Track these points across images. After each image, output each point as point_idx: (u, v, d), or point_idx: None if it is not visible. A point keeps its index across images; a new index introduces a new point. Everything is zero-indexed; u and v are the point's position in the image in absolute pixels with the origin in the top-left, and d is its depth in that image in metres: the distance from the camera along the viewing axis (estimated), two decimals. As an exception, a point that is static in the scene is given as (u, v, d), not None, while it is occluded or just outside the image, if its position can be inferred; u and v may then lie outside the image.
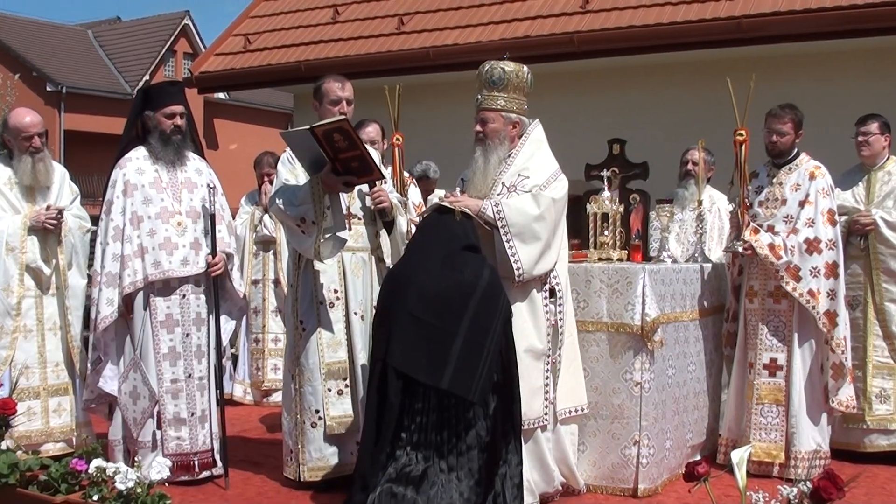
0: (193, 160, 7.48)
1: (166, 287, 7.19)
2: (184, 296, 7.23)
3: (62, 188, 7.98)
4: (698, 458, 7.58)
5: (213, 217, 7.27)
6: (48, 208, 7.68)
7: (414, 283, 5.97)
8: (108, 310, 7.08)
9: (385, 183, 7.18)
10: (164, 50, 45.67)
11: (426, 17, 13.54)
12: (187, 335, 7.24)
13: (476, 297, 5.87)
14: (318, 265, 6.99)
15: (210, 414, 7.34)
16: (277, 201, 6.87)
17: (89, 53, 46.12)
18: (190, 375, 7.24)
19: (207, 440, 7.30)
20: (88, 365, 7.39)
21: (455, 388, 5.72)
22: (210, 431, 7.32)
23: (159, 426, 7.14)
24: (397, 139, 7.90)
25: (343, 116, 6.64)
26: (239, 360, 11.04)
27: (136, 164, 7.26)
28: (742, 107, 7.65)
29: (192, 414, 7.23)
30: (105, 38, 48.01)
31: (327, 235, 6.75)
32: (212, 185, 7.37)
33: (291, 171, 7.04)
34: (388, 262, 7.20)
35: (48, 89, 40.96)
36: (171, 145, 7.31)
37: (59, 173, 8.02)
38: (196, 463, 7.22)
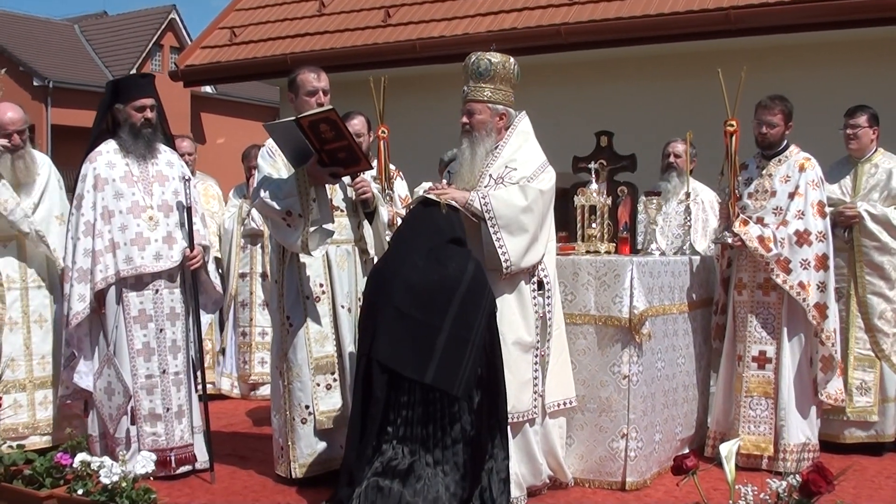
0: (164, 153, 7.41)
1: (139, 282, 7.14)
2: (157, 291, 7.17)
3: (49, 181, 7.92)
4: (687, 451, 7.58)
5: (188, 209, 7.21)
6: None
7: (399, 277, 5.94)
8: (79, 306, 7.04)
9: (365, 173, 7.13)
10: (150, 44, 45.54)
11: (412, 9, 13.50)
12: (161, 330, 7.18)
13: (461, 292, 5.85)
14: (303, 259, 6.92)
15: (189, 409, 7.30)
16: (262, 195, 6.77)
17: (76, 48, 46.00)
18: (164, 371, 7.18)
19: (186, 435, 7.25)
20: (62, 360, 7.33)
21: (439, 382, 5.70)
22: (190, 426, 7.27)
23: (133, 422, 7.10)
24: (383, 132, 7.86)
25: (330, 107, 6.57)
26: (226, 354, 10.99)
27: (107, 158, 7.20)
28: (732, 98, 7.63)
29: (168, 409, 7.18)
30: (92, 32, 47.89)
31: (313, 228, 6.69)
32: (186, 178, 7.32)
33: (273, 165, 6.95)
34: (372, 252, 7.16)
35: (35, 84, 40.82)
36: (142, 138, 7.24)
37: (46, 165, 7.97)
38: (173, 458, 7.18)
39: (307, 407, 6.95)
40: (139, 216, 7.11)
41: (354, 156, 6.70)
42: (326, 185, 6.86)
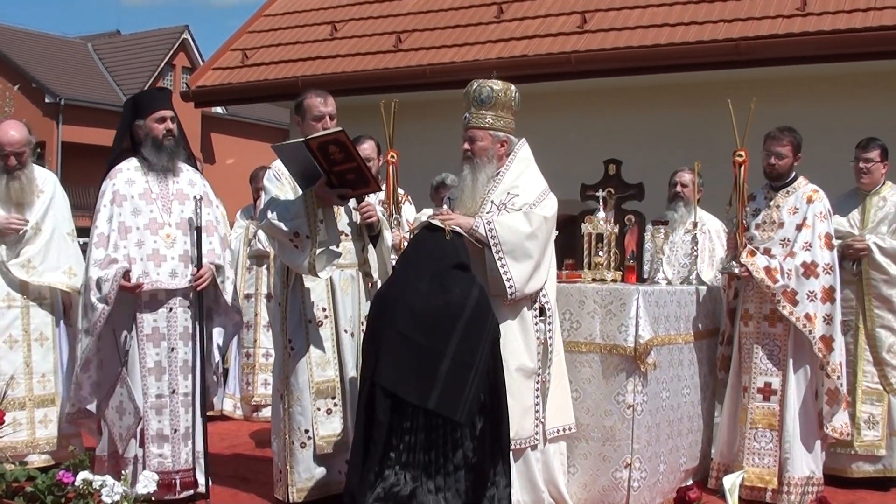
0: (187, 171, 7.29)
1: (154, 300, 6.98)
2: (171, 309, 7.02)
3: (54, 198, 7.89)
4: (690, 482, 7.57)
5: (198, 230, 7.08)
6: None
7: (403, 302, 5.93)
8: (99, 306, 6.75)
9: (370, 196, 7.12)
10: (162, 63, 45.82)
11: (423, 34, 13.56)
12: (172, 349, 7.02)
13: (465, 317, 5.83)
14: (307, 282, 6.91)
15: (193, 431, 7.11)
16: (269, 216, 6.73)
17: (88, 66, 46.25)
18: (174, 391, 7.03)
19: (190, 458, 7.07)
20: (74, 376, 7.10)
21: (442, 408, 5.68)
22: (192, 449, 7.09)
23: (142, 444, 6.94)
24: (392, 156, 7.86)
25: (339, 129, 6.54)
26: (229, 375, 10.99)
27: (127, 176, 7.08)
28: (741, 128, 7.63)
29: (175, 431, 7.02)
30: (104, 50, 48.17)
31: (320, 249, 6.67)
32: (198, 197, 7.16)
33: (280, 187, 6.92)
34: (376, 276, 7.15)
35: (47, 101, 41.05)
36: (165, 151, 7.11)
37: (51, 182, 7.95)
38: (178, 482, 7.01)
39: (307, 431, 6.91)
40: (156, 233, 6.98)
41: (364, 177, 6.68)
42: (333, 207, 6.85)
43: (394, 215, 7.70)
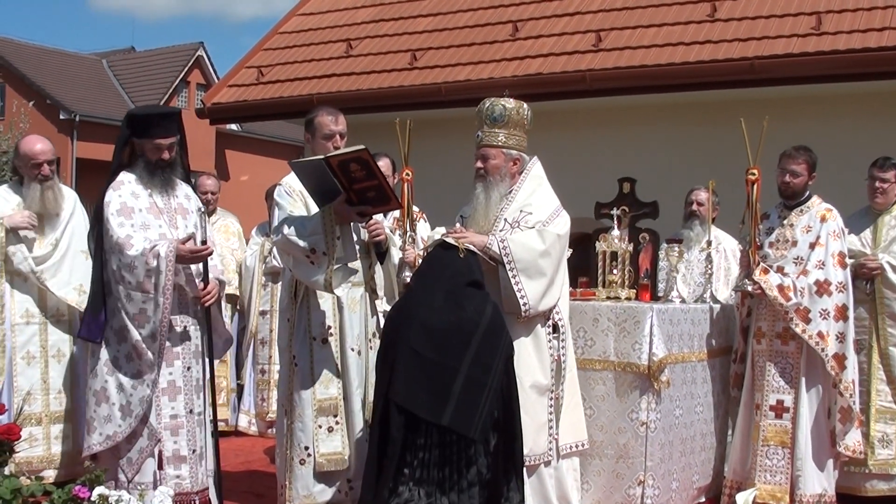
0: (181, 185, 7.04)
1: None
2: (184, 328, 6.80)
3: (74, 214, 7.96)
4: (703, 500, 7.58)
5: (203, 244, 6.79)
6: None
7: (417, 319, 5.94)
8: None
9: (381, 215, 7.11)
10: (177, 80, 45.89)
11: (439, 52, 13.58)
12: (188, 368, 6.81)
13: (478, 334, 5.84)
14: (314, 299, 6.87)
15: (206, 450, 6.94)
16: (285, 231, 6.69)
17: (103, 82, 46.38)
18: (191, 411, 6.82)
19: (205, 478, 6.90)
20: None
21: (456, 425, 5.69)
22: (205, 468, 6.92)
23: (160, 466, 6.69)
24: (407, 174, 7.87)
25: (362, 147, 6.48)
26: (244, 391, 11.02)
27: (130, 188, 6.80)
28: (755, 147, 7.66)
29: (194, 451, 6.81)
30: (119, 67, 48.29)
31: (337, 266, 6.66)
32: (202, 210, 7.03)
33: (293, 203, 6.89)
34: (381, 294, 7.13)
35: (61, 117, 41.17)
36: (157, 178, 6.85)
37: (71, 199, 8.01)
38: (197, 502, 6.83)
39: (307, 448, 6.82)
40: None
41: (384, 195, 6.66)
42: (350, 224, 6.83)
43: (408, 233, 7.69)
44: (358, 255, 6.93)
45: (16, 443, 6.44)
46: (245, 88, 14.78)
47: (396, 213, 7.59)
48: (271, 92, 14.46)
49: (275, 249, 10.50)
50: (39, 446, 7.65)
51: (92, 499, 5.75)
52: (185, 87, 46.60)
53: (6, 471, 6.18)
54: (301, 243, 6.65)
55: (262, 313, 10.85)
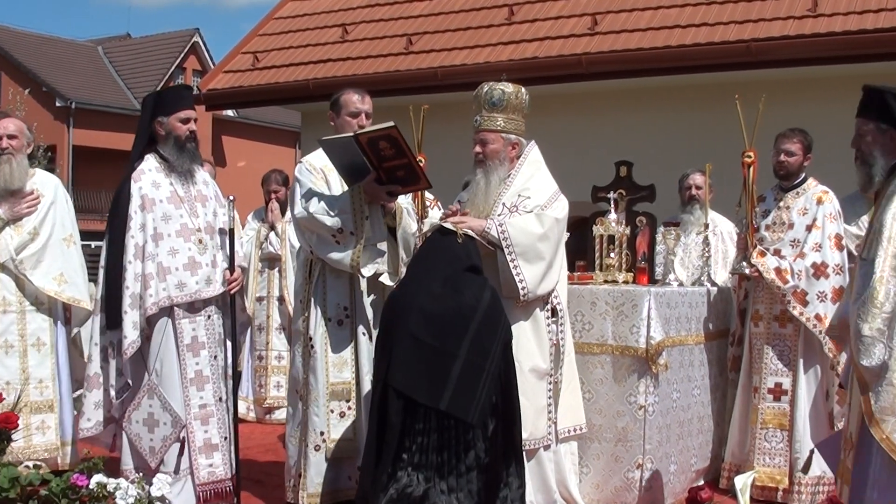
0: (199, 171, 7.01)
1: (191, 308, 6.75)
2: (209, 317, 6.80)
3: (56, 202, 7.65)
4: (701, 482, 7.59)
5: (231, 231, 6.92)
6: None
7: (415, 305, 5.92)
8: (133, 334, 6.57)
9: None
10: (173, 66, 45.91)
11: (434, 37, 13.57)
12: (214, 357, 6.81)
13: (476, 320, 5.83)
14: (329, 280, 6.82)
15: (230, 437, 6.93)
16: (312, 209, 6.60)
17: (99, 69, 46.36)
18: (220, 398, 6.82)
19: (234, 464, 6.90)
20: (113, 392, 6.79)
21: (454, 409, 5.68)
22: (230, 455, 6.90)
23: (181, 453, 6.66)
24: (420, 160, 7.79)
25: (391, 123, 6.38)
26: (242, 378, 11.01)
27: (151, 178, 6.75)
28: (751, 129, 7.65)
29: (225, 438, 6.81)
30: (115, 54, 48.27)
31: (365, 246, 6.61)
32: (231, 198, 7.01)
33: (315, 181, 6.79)
34: (384, 268, 6.91)
35: (57, 104, 41.16)
36: (187, 153, 6.83)
37: (52, 185, 7.73)
38: (231, 489, 6.81)
39: (322, 433, 6.78)
40: (189, 239, 6.76)
41: (414, 174, 6.59)
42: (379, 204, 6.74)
43: (420, 223, 7.60)
44: (385, 236, 6.86)
45: (14, 431, 6.41)
46: (241, 74, 14.78)
47: (410, 197, 7.40)
48: (267, 77, 14.45)
49: (271, 235, 10.49)
50: (19, 438, 7.40)
51: (90, 486, 5.74)
52: (181, 74, 46.60)
53: (3, 460, 6.16)
54: (328, 222, 6.59)
55: (259, 299, 10.85)
